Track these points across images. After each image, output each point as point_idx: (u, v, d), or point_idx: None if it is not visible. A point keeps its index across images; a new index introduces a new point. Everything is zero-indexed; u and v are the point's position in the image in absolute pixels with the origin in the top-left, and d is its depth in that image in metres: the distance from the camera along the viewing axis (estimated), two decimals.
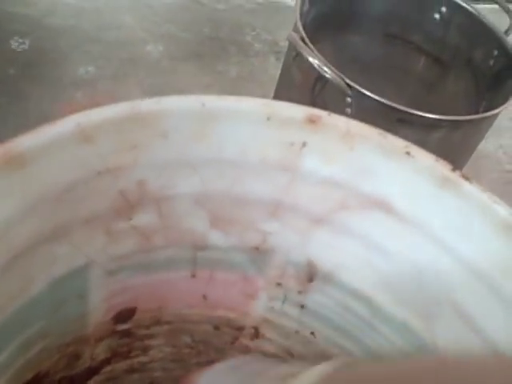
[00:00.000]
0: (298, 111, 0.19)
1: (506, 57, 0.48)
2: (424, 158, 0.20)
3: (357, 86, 0.40)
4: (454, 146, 0.45)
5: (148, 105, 0.17)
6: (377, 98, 0.40)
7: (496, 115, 0.43)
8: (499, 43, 0.49)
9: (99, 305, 0.25)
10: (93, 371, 0.30)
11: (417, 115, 0.40)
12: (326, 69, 0.40)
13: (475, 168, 0.56)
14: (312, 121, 0.19)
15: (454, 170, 0.19)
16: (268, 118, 0.19)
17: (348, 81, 0.40)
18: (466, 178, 0.19)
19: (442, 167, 0.19)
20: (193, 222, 0.23)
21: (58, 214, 0.19)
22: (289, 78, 0.48)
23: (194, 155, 0.20)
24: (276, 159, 0.20)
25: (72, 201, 0.19)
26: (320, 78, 0.42)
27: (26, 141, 0.16)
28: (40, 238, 0.19)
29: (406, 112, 0.40)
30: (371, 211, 0.21)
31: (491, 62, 0.50)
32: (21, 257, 0.19)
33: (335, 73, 0.40)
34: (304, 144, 0.20)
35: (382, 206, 0.21)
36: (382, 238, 0.22)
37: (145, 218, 0.22)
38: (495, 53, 0.50)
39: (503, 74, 0.49)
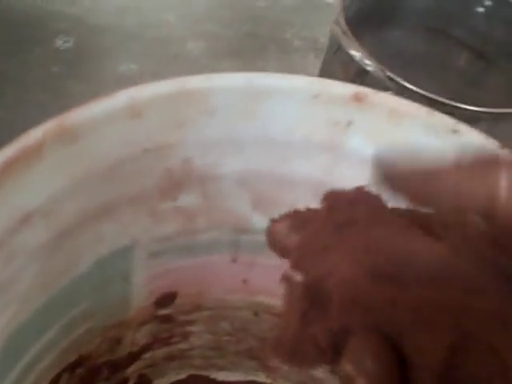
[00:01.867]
0: (344, 88, 0.19)
1: None
2: (473, 136, 0.19)
3: (398, 79, 0.40)
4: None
5: (197, 81, 0.17)
6: (418, 90, 0.39)
7: None
8: None
9: (142, 288, 0.25)
10: (134, 357, 0.30)
11: (458, 108, 0.39)
12: (367, 61, 0.40)
13: None
14: (358, 98, 0.19)
15: (503, 147, 0.19)
16: (315, 96, 0.19)
17: (390, 74, 0.40)
18: None
19: (492, 145, 0.19)
20: (235, 203, 0.23)
21: (105, 192, 0.20)
22: (329, 74, 0.48)
23: (240, 133, 0.20)
24: (321, 138, 0.20)
25: (118, 178, 0.19)
26: (361, 71, 0.42)
27: (80, 114, 0.16)
28: (87, 215, 0.20)
29: (448, 105, 0.39)
30: None
31: None
32: (68, 234, 0.20)
33: (377, 65, 0.40)
34: (349, 123, 0.20)
35: None
36: None
37: (189, 199, 0.22)
38: None
39: None
